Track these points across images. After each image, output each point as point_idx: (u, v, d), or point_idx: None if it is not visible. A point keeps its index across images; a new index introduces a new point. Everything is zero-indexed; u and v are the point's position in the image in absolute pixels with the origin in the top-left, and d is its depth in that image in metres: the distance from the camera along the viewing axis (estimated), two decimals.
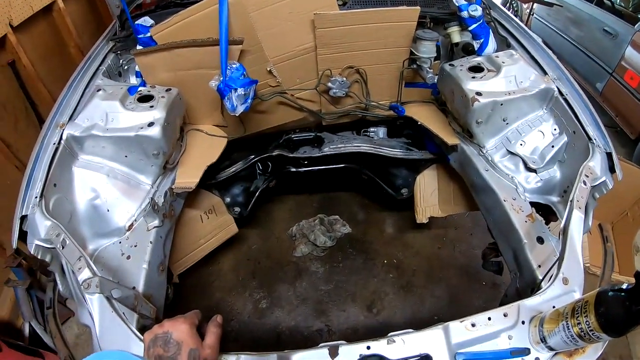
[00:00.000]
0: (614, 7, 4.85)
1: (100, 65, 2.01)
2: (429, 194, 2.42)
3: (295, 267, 2.66)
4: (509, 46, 2.16)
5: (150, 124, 1.64)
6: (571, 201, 1.36)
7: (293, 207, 2.95)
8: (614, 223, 3.26)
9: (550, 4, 4.52)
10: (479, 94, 1.79)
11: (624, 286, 0.91)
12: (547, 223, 1.73)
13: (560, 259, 1.27)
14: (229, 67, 1.83)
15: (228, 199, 2.38)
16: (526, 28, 2.25)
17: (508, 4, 5.31)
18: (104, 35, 2.26)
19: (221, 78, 1.80)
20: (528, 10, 4.86)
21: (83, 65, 1.99)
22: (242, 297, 2.60)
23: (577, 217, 1.33)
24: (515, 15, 5.80)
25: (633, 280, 0.89)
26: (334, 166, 2.41)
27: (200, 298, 2.60)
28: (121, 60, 2.14)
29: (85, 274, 1.16)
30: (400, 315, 2.52)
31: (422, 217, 2.44)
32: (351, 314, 2.51)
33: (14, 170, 2.52)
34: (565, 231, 1.31)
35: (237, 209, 2.41)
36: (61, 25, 3.16)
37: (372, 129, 2.47)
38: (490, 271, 2.05)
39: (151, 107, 1.70)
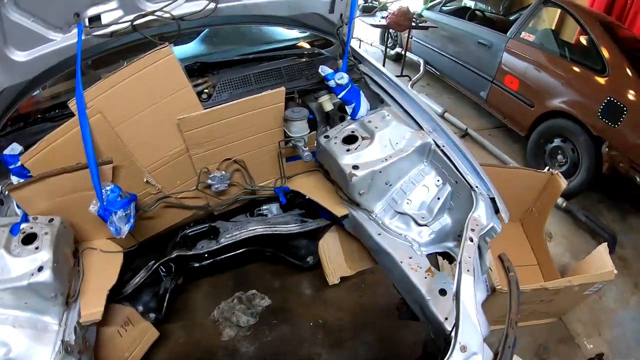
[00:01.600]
0: (485, 18, 5.26)
1: None
2: (334, 255, 2.49)
3: (225, 352, 2.62)
4: (382, 102, 2.22)
5: (40, 269, 1.58)
6: (459, 263, 1.36)
7: (209, 290, 2.90)
8: (522, 220, 3.49)
9: (426, 27, 4.83)
10: (355, 167, 1.81)
11: None
12: (450, 262, 1.79)
13: (456, 327, 1.26)
14: (103, 190, 1.81)
15: (140, 308, 2.33)
16: (397, 80, 2.30)
17: (386, 33, 5.60)
18: None
19: (99, 203, 1.79)
20: (406, 35, 5.14)
21: None
22: None
23: (467, 281, 1.33)
24: (395, 42, 6.13)
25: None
26: (236, 252, 2.43)
27: None
28: (1, 187, 2.04)
29: None
30: None
31: (333, 279, 2.51)
32: None
33: None
34: (457, 296, 1.30)
35: (152, 315, 2.37)
36: None
37: (265, 207, 2.50)
38: (407, 319, 2.09)
39: (36, 248, 1.63)
